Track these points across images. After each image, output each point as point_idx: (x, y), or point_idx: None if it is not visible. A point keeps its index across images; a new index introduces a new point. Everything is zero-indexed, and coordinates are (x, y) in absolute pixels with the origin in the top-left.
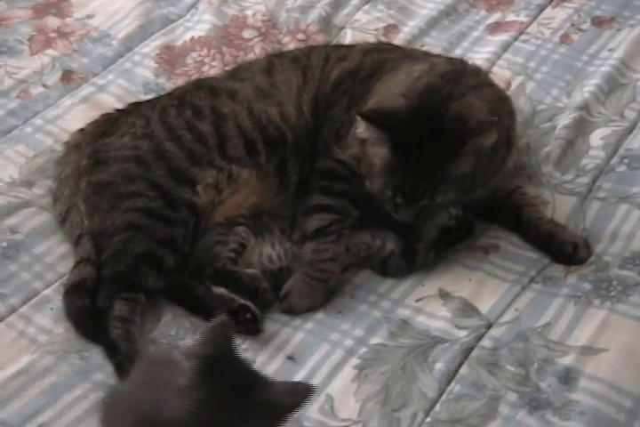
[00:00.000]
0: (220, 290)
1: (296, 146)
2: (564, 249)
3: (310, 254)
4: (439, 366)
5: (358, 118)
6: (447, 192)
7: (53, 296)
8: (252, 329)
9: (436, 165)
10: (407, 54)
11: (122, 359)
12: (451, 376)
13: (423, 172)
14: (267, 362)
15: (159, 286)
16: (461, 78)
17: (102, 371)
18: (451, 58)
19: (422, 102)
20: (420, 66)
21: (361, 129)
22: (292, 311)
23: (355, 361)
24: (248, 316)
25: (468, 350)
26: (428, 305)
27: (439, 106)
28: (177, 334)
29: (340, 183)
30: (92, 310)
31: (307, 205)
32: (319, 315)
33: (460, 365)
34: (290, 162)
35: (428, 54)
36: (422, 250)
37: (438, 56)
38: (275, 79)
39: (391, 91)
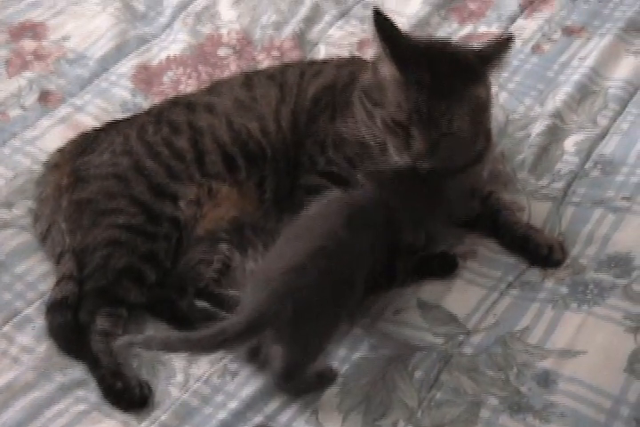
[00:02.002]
0: (203, 304)
1: (275, 161)
2: (539, 251)
3: None
4: (419, 374)
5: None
6: (464, 118)
7: (35, 315)
8: None
9: (455, 86)
10: None
11: (104, 373)
12: (431, 384)
13: (442, 92)
14: (252, 375)
15: (141, 300)
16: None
17: (84, 387)
18: None
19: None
20: None
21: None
22: None
23: (338, 380)
24: None
25: (447, 357)
26: (407, 316)
27: (447, 43)
28: None
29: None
30: (74, 327)
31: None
32: None
33: (440, 372)
34: (269, 177)
35: None
36: (402, 272)
37: None
38: (254, 93)
39: None
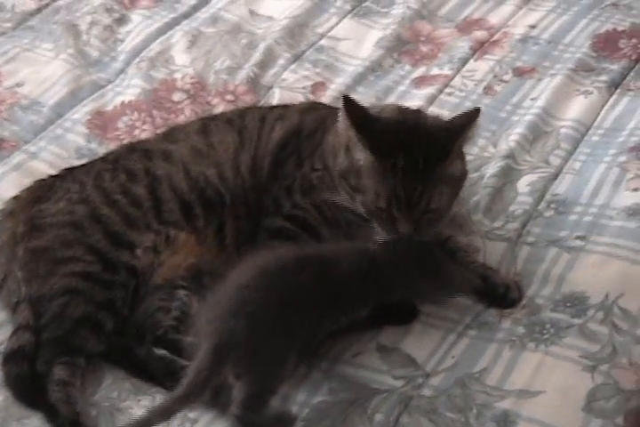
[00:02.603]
0: (161, 352)
1: (233, 207)
2: (495, 290)
3: None
4: (379, 417)
5: (339, 114)
6: (443, 195)
7: None
8: None
9: (428, 168)
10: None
11: (62, 423)
12: (391, 426)
13: (416, 175)
14: (213, 420)
15: (99, 349)
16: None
17: None
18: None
19: (398, 116)
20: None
21: (341, 127)
22: None
23: (299, 424)
24: None
25: (407, 400)
26: (366, 359)
27: (416, 118)
28: (119, 397)
29: (289, 243)
30: (31, 377)
31: None
32: None
33: (400, 414)
34: (228, 224)
35: None
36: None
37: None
38: (211, 140)
39: None
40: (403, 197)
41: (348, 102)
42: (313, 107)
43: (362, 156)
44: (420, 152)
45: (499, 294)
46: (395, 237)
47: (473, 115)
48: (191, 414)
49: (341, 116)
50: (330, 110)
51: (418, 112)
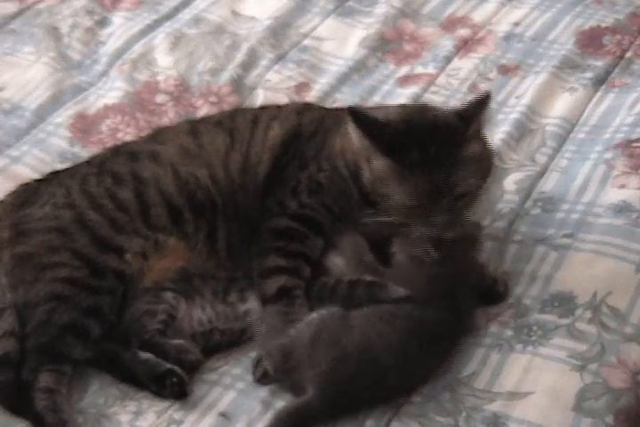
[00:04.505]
0: (147, 355)
1: (225, 211)
2: (483, 282)
3: (275, 317)
4: (370, 422)
5: (348, 127)
6: (466, 179)
7: None
8: (180, 393)
9: (444, 154)
10: (337, 109)
11: None
12: None
13: (435, 163)
14: (198, 420)
15: (86, 356)
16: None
17: None
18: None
19: (405, 114)
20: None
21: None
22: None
23: None
24: (175, 380)
25: (397, 406)
26: None
27: (424, 112)
28: (105, 403)
29: (296, 243)
30: (17, 385)
31: (262, 267)
32: (250, 376)
33: (391, 420)
34: (219, 228)
35: None
36: None
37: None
38: (201, 140)
39: None
40: (427, 190)
41: (355, 113)
42: (307, 108)
43: (380, 162)
44: (434, 143)
45: (486, 285)
46: (433, 233)
47: (484, 99)
48: (176, 416)
49: (351, 128)
50: (324, 111)
51: (424, 106)
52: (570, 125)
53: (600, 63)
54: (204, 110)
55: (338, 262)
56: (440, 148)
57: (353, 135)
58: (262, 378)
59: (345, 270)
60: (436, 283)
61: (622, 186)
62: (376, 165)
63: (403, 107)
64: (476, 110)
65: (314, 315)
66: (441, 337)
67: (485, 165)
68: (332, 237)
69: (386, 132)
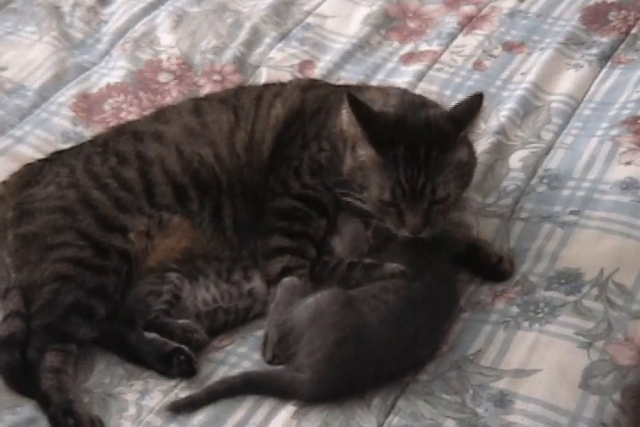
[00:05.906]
0: (152, 335)
1: (230, 189)
2: (487, 260)
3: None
4: (376, 401)
5: (343, 111)
6: (447, 183)
7: None
8: (188, 371)
9: (430, 157)
10: (342, 86)
11: (55, 411)
12: (388, 410)
13: (419, 165)
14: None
15: (91, 335)
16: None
17: (35, 425)
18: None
19: (401, 108)
20: (373, 94)
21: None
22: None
23: (296, 406)
24: (182, 358)
25: (403, 385)
26: None
27: (418, 110)
28: (111, 383)
29: (300, 223)
30: (23, 364)
31: (266, 247)
32: (256, 354)
33: (397, 398)
34: (225, 206)
35: (360, 87)
36: None
37: (369, 87)
38: (205, 119)
39: None
40: (407, 189)
41: (352, 99)
42: (312, 84)
43: (365, 151)
44: (422, 143)
45: (491, 264)
46: (407, 234)
47: (476, 103)
48: (182, 395)
49: (346, 113)
50: (330, 88)
51: (421, 101)
52: (575, 102)
53: (605, 39)
54: (207, 89)
55: (338, 243)
56: (428, 149)
57: (345, 120)
58: (273, 359)
59: (344, 252)
60: (409, 254)
61: (628, 163)
62: (360, 154)
63: (402, 96)
64: (468, 115)
65: (311, 299)
66: (431, 305)
67: (468, 172)
68: (335, 218)
69: (378, 123)
